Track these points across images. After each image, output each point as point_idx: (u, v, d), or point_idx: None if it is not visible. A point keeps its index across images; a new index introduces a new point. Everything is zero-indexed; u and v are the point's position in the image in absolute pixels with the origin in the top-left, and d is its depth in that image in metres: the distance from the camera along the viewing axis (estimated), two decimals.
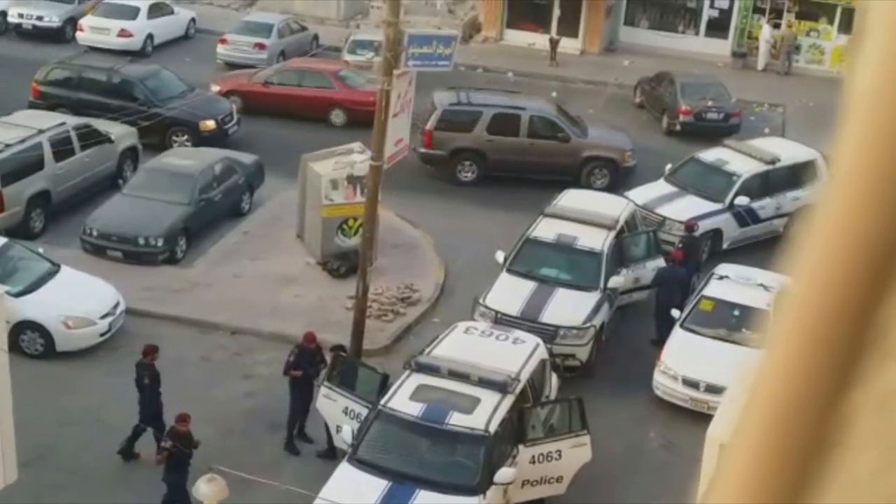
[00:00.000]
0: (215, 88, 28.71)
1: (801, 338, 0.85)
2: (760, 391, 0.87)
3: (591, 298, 18.37)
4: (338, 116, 28.12)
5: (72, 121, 23.49)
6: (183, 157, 22.77)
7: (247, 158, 23.92)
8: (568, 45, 35.60)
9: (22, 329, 17.44)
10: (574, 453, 14.29)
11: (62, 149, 22.50)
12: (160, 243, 20.72)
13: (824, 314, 0.84)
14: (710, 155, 23.56)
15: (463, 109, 25.50)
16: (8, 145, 21.44)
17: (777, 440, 0.86)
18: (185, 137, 25.77)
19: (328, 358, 15.48)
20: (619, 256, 19.38)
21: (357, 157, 21.14)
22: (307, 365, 15.52)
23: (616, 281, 18.82)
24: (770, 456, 0.86)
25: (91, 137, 23.30)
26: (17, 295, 17.24)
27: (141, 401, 15.23)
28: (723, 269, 19.00)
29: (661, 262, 19.73)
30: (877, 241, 0.82)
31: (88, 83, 26.55)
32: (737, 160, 23.12)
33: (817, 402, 0.84)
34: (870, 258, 0.82)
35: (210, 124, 25.91)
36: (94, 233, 20.78)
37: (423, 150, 24.88)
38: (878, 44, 0.83)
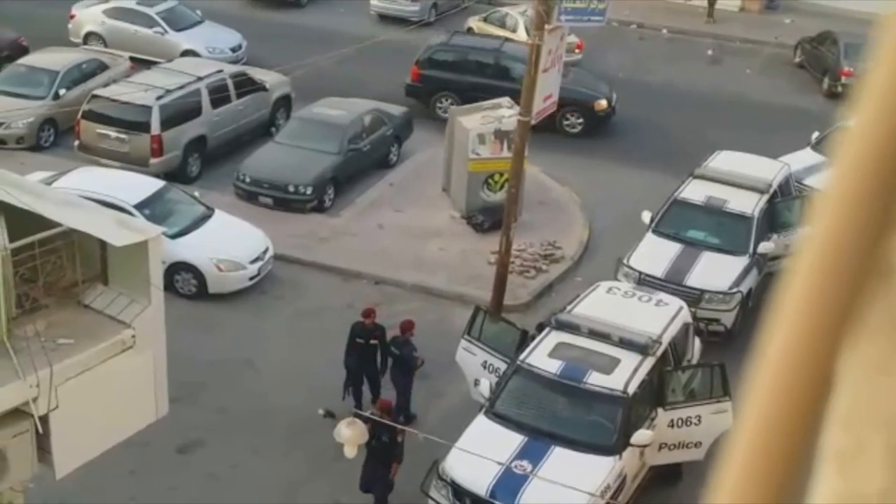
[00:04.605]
0: None
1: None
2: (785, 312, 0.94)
3: (739, 263, 17.95)
4: None
5: (229, 68, 24.07)
6: (333, 108, 23.09)
7: (396, 110, 24.09)
8: (727, 2, 34.57)
9: (176, 270, 18.09)
10: (715, 419, 14.03)
11: (219, 96, 23.10)
12: (309, 191, 21.13)
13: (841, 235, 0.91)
14: None
15: None
16: (168, 91, 22.13)
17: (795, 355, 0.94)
18: (578, 118, 25.09)
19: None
20: (771, 221, 18.85)
21: (505, 112, 21.07)
22: (380, 437, 13.83)
23: (766, 246, 18.32)
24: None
25: (246, 85, 23.85)
26: (173, 236, 17.86)
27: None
28: None
29: None
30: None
31: (473, 65, 25.60)
32: None
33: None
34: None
35: (603, 103, 25.26)
36: (247, 179, 21.32)
37: None
38: None
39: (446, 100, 25.29)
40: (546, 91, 17.49)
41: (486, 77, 24.87)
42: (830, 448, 0.95)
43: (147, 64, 25.43)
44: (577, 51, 28.06)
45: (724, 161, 19.92)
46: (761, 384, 0.95)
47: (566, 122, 24.99)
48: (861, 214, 0.90)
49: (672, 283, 17.34)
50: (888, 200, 0.89)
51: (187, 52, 26.94)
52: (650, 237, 18.50)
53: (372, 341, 15.51)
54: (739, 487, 0.94)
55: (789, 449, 0.94)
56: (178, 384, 13.84)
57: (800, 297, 0.92)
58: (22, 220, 10.19)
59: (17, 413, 9.67)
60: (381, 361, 15.65)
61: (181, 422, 14.35)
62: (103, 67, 25.07)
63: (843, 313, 0.91)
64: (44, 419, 9.71)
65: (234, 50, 27.91)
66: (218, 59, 26.38)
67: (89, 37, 28.20)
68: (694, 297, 16.99)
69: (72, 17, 28.63)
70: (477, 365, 15.05)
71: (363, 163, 22.47)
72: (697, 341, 16.15)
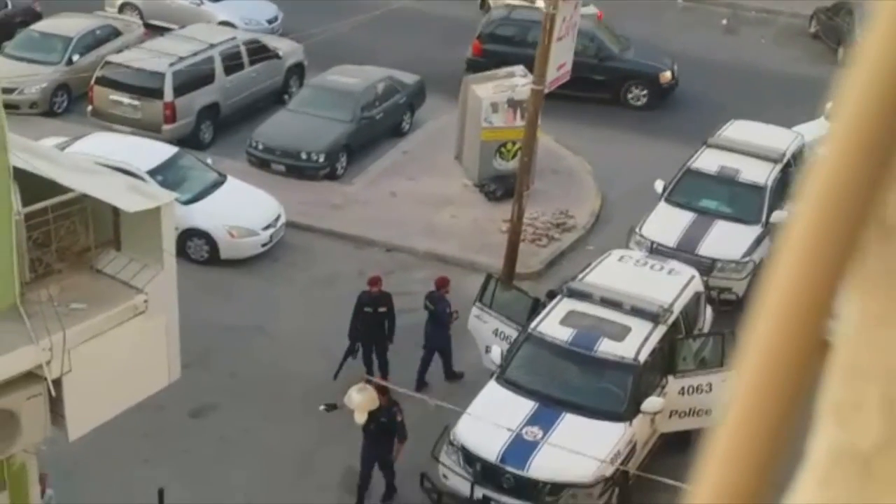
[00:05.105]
0: None
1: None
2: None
3: (752, 233, 17.92)
4: None
5: (242, 35, 24.01)
6: (347, 75, 23.04)
7: (409, 78, 24.00)
8: None
9: (189, 236, 18.15)
10: (725, 387, 14.03)
11: (232, 63, 23.06)
12: (322, 159, 21.13)
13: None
14: None
15: None
16: (181, 58, 22.11)
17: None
18: (643, 91, 24.88)
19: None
20: (785, 191, 18.78)
21: (518, 81, 21.00)
22: (378, 419, 13.50)
23: (779, 216, 18.27)
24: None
25: (260, 53, 23.79)
26: (186, 203, 17.89)
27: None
28: None
29: None
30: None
31: (534, 39, 24.97)
32: None
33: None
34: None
35: (668, 75, 25.02)
36: (260, 146, 21.33)
37: None
38: None
39: None
40: (560, 59, 17.43)
41: None
42: (828, 400, 0.95)
43: (161, 31, 25.38)
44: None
45: (738, 130, 19.83)
46: (755, 343, 0.94)
47: (630, 95, 24.88)
48: (858, 167, 0.89)
49: (684, 251, 17.32)
50: (884, 154, 0.89)
51: (223, 24, 26.22)
52: (663, 206, 18.46)
53: (380, 309, 15.52)
54: (729, 456, 0.94)
55: (783, 411, 0.93)
56: (190, 349, 13.93)
57: (796, 250, 0.92)
58: (35, 185, 10.24)
59: (31, 376, 9.76)
60: (389, 328, 15.68)
61: (194, 386, 14.44)
62: (117, 34, 25.04)
63: (840, 266, 0.91)
64: (57, 382, 9.79)
65: (270, 21, 27.41)
66: (254, 30, 25.80)
67: (125, 7, 28.01)
68: (706, 266, 16.98)
69: None
70: (488, 332, 15.10)
71: (376, 130, 22.45)
72: (709, 310, 16.14)
